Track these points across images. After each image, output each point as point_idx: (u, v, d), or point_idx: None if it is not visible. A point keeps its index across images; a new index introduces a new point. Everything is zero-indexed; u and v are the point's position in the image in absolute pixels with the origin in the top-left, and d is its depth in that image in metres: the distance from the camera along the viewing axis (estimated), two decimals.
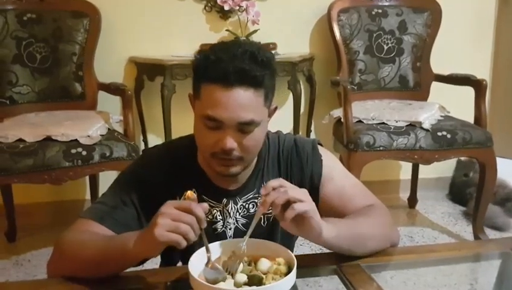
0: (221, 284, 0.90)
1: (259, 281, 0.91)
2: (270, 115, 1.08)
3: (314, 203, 0.95)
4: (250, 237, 0.98)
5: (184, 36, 2.63)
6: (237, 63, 0.97)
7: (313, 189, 1.13)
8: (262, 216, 1.14)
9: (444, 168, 2.89)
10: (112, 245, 0.96)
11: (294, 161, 1.16)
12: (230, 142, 1.00)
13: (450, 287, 1.15)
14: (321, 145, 1.20)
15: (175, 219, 0.87)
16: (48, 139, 2.01)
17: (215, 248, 0.99)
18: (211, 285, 0.88)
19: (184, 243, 0.86)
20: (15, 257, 2.33)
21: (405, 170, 2.97)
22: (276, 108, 1.10)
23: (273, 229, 1.15)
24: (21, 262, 2.29)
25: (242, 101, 0.98)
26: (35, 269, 2.22)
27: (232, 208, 1.13)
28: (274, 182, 0.94)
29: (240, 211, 1.13)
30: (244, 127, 1.00)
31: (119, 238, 0.97)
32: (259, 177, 1.15)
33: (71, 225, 1.06)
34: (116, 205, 1.06)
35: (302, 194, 0.94)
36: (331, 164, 1.17)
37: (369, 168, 2.26)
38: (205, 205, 0.91)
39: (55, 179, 1.99)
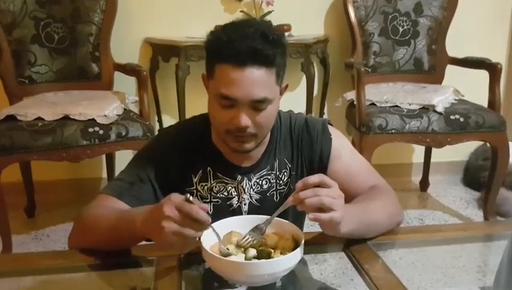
0: (232, 257, 0.94)
1: (267, 255, 0.94)
2: (281, 93, 1.11)
3: (344, 209, 0.94)
4: (262, 214, 1.02)
5: (199, 17, 2.63)
6: (249, 42, 1.00)
7: (321, 166, 1.18)
8: (275, 192, 1.18)
9: (457, 152, 2.88)
10: (121, 221, 1.00)
11: (305, 139, 1.19)
12: (245, 120, 1.03)
13: (459, 269, 1.17)
14: (331, 125, 1.23)
15: (180, 225, 0.88)
16: (66, 118, 2.06)
17: (236, 222, 1.02)
18: (222, 257, 0.92)
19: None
20: (34, 232, 2.41)
21: (417, 153, 2.97)
22: (287, 86, 1.13)
23: None
24: (40, 237, 2.37)
25: (255, 79, 1.01)
26: (54, 243, 2.29)
27: (246, 185, 1.16)
28: (313, 179, 0.93)
29: (253, 188, 1.17)
30: (257, 105, 1.03)
31: (128, 215, 1.01)
32: (272, 154, 1.18)
33: (93, 200, 1.11)
34: (134, 181, 1.11)
35: (337, 201, 0.93)
36: (340, 142, 1.20)
37: (381, 151, 2.27)
38: (206, 206, 0.91)
39: (73, 157, 2.05)
